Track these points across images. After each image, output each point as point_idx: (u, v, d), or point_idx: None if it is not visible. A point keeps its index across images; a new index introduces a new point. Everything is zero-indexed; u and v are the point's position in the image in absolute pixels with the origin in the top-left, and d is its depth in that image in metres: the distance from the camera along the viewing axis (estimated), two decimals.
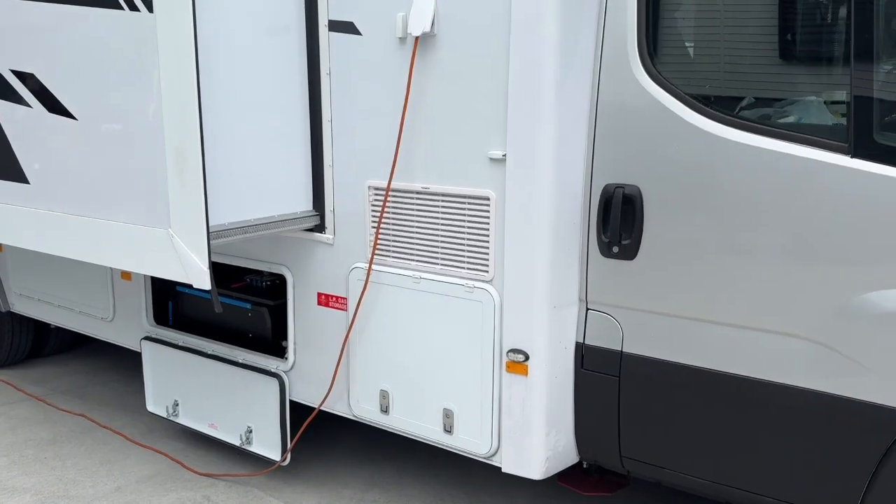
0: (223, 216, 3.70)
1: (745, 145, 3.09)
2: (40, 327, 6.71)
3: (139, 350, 5.30)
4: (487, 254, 3.61)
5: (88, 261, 4.05)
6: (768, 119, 3.14)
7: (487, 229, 3.59)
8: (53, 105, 4.00)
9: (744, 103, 3.19)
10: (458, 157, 3.62)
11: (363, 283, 4.01)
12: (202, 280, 3.52)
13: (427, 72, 3.65)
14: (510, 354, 3.57)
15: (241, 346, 4.80)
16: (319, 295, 4.30)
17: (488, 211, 3.57)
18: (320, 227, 4.20)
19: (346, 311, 4.18)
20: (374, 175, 3.93)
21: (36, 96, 4.07)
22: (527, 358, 3.53)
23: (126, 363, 6.49)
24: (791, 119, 3.08)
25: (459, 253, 3.70)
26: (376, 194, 3.95)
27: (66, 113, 3.94)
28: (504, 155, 3.45)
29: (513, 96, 3.38)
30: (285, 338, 4.59)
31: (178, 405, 5.10)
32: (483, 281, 3.64)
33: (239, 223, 3.81)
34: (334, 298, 4.24)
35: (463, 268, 3.70)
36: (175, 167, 3.50)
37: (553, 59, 3.30)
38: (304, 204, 4.18)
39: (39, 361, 7.00)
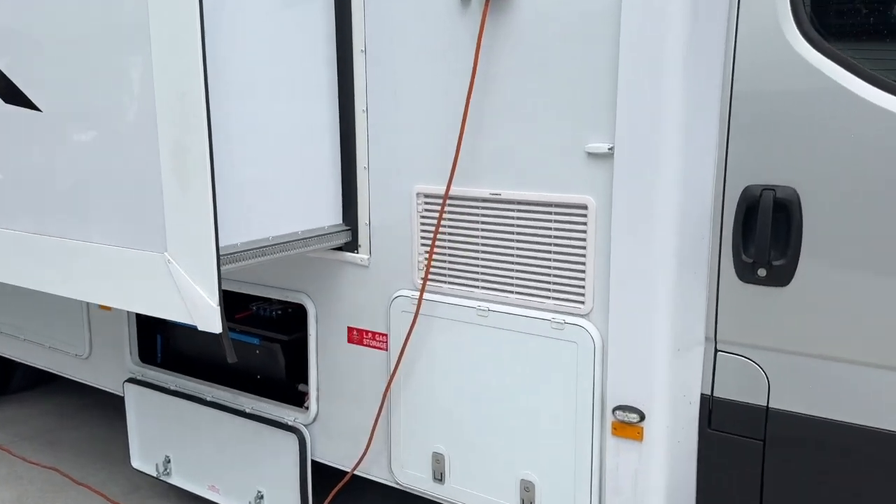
0: (232, 234, 2.83)
1: None
2: (5, 360, 5.75)
3: (121, 394, 4.38)
4: (583, 279, 2.75)
5: (60, 294, 3.14)
6: None
7: (583, 247, 2.74)
8: (10, 92, 3.10)
9: None
10: (543, 153, 2.77)
11: (411, 315, 3.14)
12: (210, 321, 2.64)
13: (501, 43, 2.80)
14: (618, 413, 2.72)
15: (247, 391, 3.91)
16: (351, 330, 3.43)
17: (585, 223, 2.72)
18: (352, 246, 3.33)
19: (386, 350, 3.31)
20: (425, 178, 3.08)
21: None
22: (642, 418, 2.68)
23: (102, 401, 5.58)
24: None
25: (543, 278, 2.85)
26: (427, 203, 3.09)
27: (27, 103, 3.04)
28: (611, 148, 2.61)
29: (625, 70, 2.53)
30: (304, 381, 3.71)
31: (170, 462, 4.20)
32: (577, 315, 2.78)
33: (253, 243, 2.93)
34: (370, 335, 3.36)
35: (548, 297, 2.84)
36: (173, 170, 2.62)
37: (683, 16, 2.46)
38: (332, 217, 3.30)
39: (4, 400, 6.05)
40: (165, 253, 2.71)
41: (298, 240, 3.11)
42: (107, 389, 4.62)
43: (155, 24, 2.57)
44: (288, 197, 3.10)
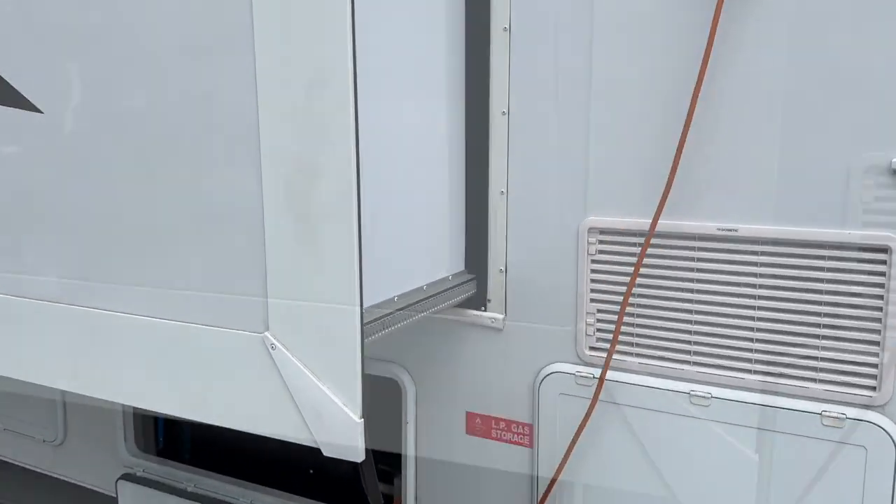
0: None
1: None
2: None
3: (112, 494, 3.31)
4: (875, 354, 1.92)
5: (73, 391, 2.10)
6: None
7: (878, 308, 1.90)
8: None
9: None
10: (812, 172, 1.93)
11: (573, 398, 2.26)
12: (348, 442, 1.67)
13: (742, 18, 1.93)
14: None
15: (296, 493, 2.93)
16: (472, 417, 2.50)
17: (883, 273, 1.88)
18: (477, 301, 2.41)
19: (529, 447, 2.39)
20: (600, 208, 2.19)
21: None
22: None
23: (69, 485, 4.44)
24: None
25: (806, 352, 1.98)
26: (604, 243, 2.19)
27: (20, 102, 2.01)
28: None
29: None
30: (386, 480, 2.76)
31: None
32: (865, 406, 1.93)
33: (378, 308, 1.97)
34: (504, 424, 2.44)
35: (815, 380, 1.98)
36: (287, 205, 1.65)
37: None
38: (451, 262, 2.37)
39: None
40: (266, 333, 1.73)
41: (427, 298, 2.17)
42: (87, 486, 3.53)
43: None
44: (409, 237, 2.17)
